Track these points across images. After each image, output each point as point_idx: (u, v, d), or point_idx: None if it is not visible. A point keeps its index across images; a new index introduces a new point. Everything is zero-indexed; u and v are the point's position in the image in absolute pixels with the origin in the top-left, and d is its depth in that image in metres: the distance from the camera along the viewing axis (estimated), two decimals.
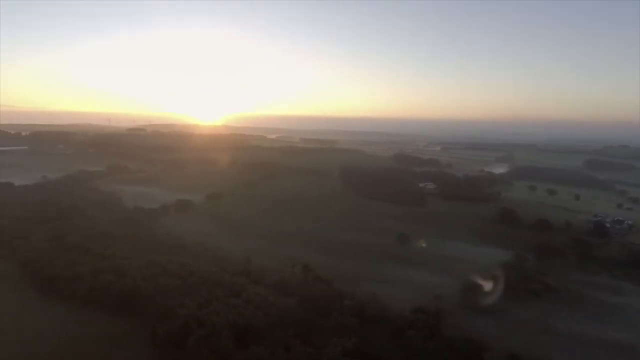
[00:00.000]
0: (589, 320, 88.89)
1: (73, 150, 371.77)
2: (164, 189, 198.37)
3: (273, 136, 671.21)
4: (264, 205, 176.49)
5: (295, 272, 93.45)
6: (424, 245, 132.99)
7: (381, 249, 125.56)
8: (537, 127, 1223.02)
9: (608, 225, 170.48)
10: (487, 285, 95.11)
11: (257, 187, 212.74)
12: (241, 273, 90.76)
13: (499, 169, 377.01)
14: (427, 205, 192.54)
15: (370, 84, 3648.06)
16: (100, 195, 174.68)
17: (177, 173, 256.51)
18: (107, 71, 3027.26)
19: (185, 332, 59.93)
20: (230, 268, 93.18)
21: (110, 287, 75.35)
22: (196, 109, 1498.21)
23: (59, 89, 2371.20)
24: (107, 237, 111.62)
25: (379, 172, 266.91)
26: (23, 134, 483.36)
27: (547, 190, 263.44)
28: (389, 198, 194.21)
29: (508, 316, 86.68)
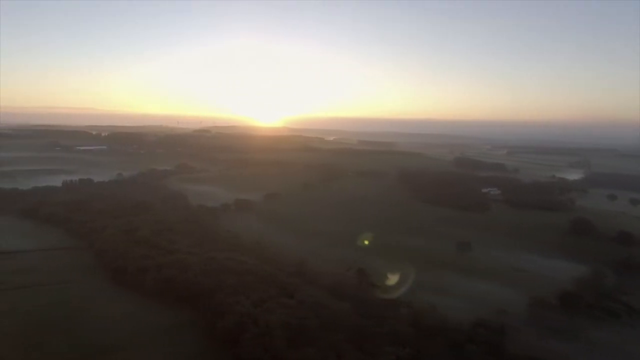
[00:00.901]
0: None
1: (145, 150, 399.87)
2: (225, 188, 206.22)
3: (331, 138, 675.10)
4: (321, 207, 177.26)
5: (350, 276, 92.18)
6: (486, 254, 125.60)
7: (440, 256, 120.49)
8: (619, 129, 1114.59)
9: None
10: (559, 302, 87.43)
11: (314, 188, 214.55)
12: (296, 273, 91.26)
13: (573, 175, 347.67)
14: (491, 212, 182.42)
15: (430, 84, 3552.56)
16: (167, 193, 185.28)
17: (238, 173, 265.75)
18: (178, 76, 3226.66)
19: (240, 330, 61.04)
20: (286, 268, 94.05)
21: (173, 280, 78.98)
22: (258, 111, 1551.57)
23: (135, 92, 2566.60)
24: (172, 232, 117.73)
25: (439, 175, 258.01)
26: (103, 134, 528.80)
27: (630, 200, 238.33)
28: (449, 203, 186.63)
29: (581, 338, 78.85)
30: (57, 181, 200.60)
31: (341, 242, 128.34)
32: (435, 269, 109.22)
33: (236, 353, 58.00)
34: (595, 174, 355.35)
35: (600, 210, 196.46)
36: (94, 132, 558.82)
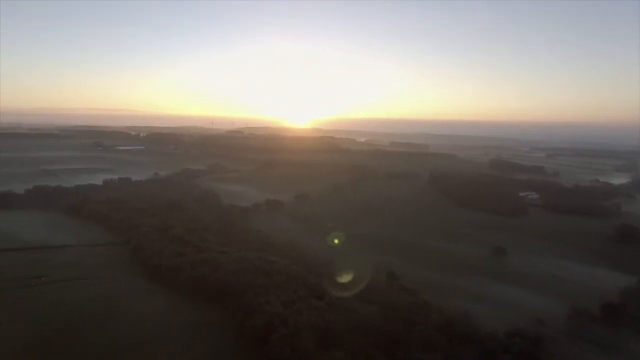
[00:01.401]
0: None
1: (181, 150, 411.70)
2: (257, 188, 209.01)
3: (362, 139, 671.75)
4: (351, 208, 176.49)
5: (380, 279, 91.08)
6: (523, 260, 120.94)
7: (474, 262, 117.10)
8: None
9: None
10: (600, 313, 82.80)
11: (345, 189, 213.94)
12: (323, 275, 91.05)
13: (618, 180, 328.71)
14: (529, 217, 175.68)
15: (465, 85, 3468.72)
16: (201, 192, 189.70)
17: (269, 173, 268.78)
18: (214, 78, 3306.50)
19: (269, 329, 61.43)
20: (315, 269, 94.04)
21: (205, 279, 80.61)
22: (289, 112, 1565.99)
23: (172, 94, 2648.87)
24: (205, 231, 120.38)
25: (473, 178, 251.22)
26: (141, 135, 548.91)
27: None
28: (484, 207, 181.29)
29: (624, 351, 74.31)
30: (98, 180, 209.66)
31: (370, 245, 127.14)
32: (469, 274, 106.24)
33: (265, 353, 58.38)
34: None
35: None
36: (132, 133, 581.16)
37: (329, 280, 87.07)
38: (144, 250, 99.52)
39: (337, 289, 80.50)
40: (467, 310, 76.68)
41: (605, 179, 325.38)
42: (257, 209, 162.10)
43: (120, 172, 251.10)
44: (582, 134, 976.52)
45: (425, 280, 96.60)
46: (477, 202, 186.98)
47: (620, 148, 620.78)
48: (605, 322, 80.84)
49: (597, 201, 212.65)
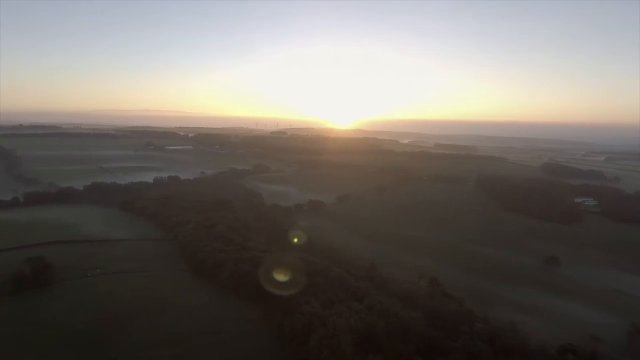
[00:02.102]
0: None
1: (226, 150, 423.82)
2: (299, 189, 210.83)
3: (406, 141, 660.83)
4: (393, 210, 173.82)
5: (422, 285, 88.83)
6: (578, 271, 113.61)
7: (524, 270, 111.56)
8: None
9: None
10: None
11: (387, 191, 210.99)
12: (365, 278, 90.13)
13: None
14: (585, 225, 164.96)
15: (516, 84, 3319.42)
16: (244, 192, 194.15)
17: (312, 174, 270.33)
18: (259, 80, 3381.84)
19: (308, 330, 61.48)
20: (355, 271, 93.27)
21: (247, 276, 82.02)
22: (333, 114, 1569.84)
23: (219, 96, 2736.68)
24: (247, 229, 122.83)
25: (524, 182, 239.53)
26: (189, 135, 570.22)
27: None
28: (536, 213, 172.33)
29: None
30: (149, 177, 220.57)
31: (413, 249, 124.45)
32: (517, 284, 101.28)
33: (302, 352, 58.45)
34: None
35: None
36: (181, 133, 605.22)
37: (370, 282, 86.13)
38: (189, 247, 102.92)
39: (378, 292, 79.36)
40: (515, 322, 73.07)
41: None
42: (298, 209, 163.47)
43: (170, 170, 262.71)
44: None
45: (469, 287, 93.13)
46: (528, 208, 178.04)
47: None
48: None
49: None
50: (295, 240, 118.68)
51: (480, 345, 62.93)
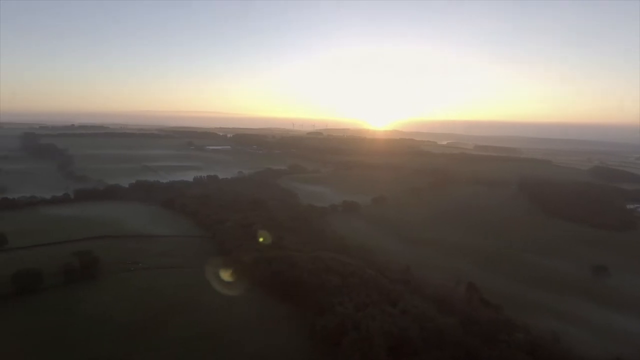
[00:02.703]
0: None
1: (263, 150, 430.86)
2: (334, 189, 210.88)
3: (444, 142, 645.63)
4: (430, 214, 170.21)
5: (459, 290, 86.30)
6: (629, 282, 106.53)
7: (569, 279, 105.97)
8: None
9: None
10: None
11: (424, 194, 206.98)
12: (400, 281, 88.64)
13: None
14: (638, 233, 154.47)
15: (563, 84, 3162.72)
16: (280, 192, 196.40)
17: (347, 175, 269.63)
18: (296, 81, 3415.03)
19: (340, 331, 61.17)
20: (390, 274, 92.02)
21: (281, 276, 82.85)
22: (369, 114, 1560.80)
23: (257, 97, 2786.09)
24: (282, 229, 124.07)
25: (571, 186, 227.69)
26: (228, 135, 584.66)
27: None
28: (584, 219, 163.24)
29: None
30: (189, 176, 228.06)
31: (450, 253, 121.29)
32: (562, 293, 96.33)
33: (334, 354, 58.23)
34: None
35: None
36: (220, 134, 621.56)
37: (405, 286, 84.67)
38: (226, 244, 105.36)
39: (413, 296, 77.85)
40: (558, 332, 69.49)
41: None
42: (333, 210, 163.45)
43: (209, 169, 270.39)
44: None
45: (509, 295, 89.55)
46: (575, 214, 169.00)
47: None
48: None
49: None
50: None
51: (520, 355, 60.32)
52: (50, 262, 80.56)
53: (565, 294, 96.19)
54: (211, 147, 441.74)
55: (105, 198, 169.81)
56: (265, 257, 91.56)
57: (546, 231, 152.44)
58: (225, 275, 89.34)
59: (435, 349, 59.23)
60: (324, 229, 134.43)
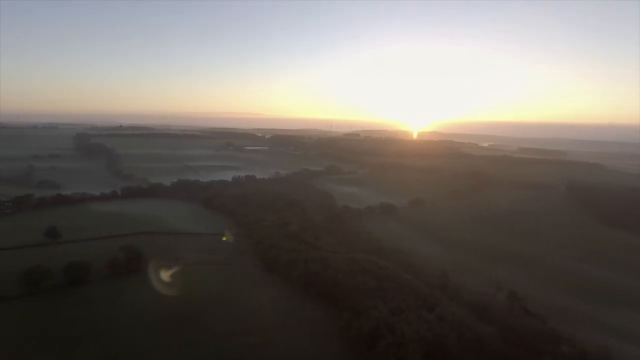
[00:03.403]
0: None
1: (300, 151, 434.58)
2: (370, 191, 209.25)
3: (485, 144, 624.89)
4: (469, 217, 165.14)
5: (500, 298, 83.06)
6: None
7: (622, 292, 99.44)
8: None
9: None
10: None
11: (464, 197, 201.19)
12: (437, 285, 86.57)
13: None
14: None
15: (613, 82, 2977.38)
16: (316, 192, 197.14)
17: (384, 176, 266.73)
18: (333, 82, 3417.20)
19: (375, 335, 60.45)
20: (426, 278, 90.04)
21: (316, 276, 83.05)
22: (407, 116, 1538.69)
23: (295, 99, 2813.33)
24: (318, 230, 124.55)
25: (625, 192, 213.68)
26: (266, 136, 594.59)
27: None
28: (637, 227, 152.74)
29: None
30: (228, 176, 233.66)
31: (490, 259, 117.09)
32: (614, 305, 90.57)
33: (369, 357, 57.57)
34: None
35: None
36: (259, 135, 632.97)
37: (443, 291, 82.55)
38: (263, 244, 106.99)
39: (450, 302, 75.80)
40: (608, 347, 65.29)
41: None
42: (369, 212, 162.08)
43: (247, 170, 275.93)
44: None
45: (554, 305, 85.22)
46: (629, 221, 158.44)
47: None
48: None
49: None
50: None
51: None
52: (98, 256, 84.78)
53: (617, 306, 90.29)
54: (249, 148, 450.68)
55: (149, 196, 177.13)
56: (301, 258, 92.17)
57: (596, 239, 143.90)
58: (261, 274, 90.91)
59: (474, 358, 57.35)
60: (359, 230, 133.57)
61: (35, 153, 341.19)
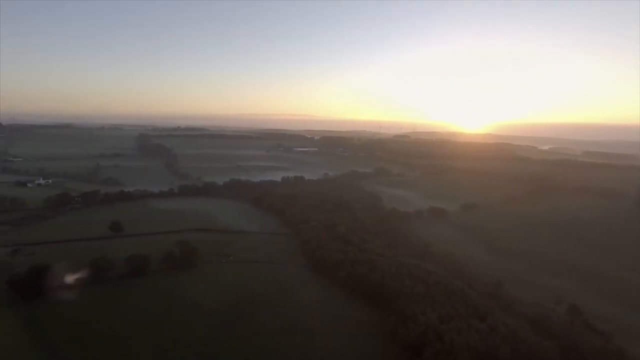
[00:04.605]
0: None
1: (349, 153, 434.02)
2: (420, 194, 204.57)
3: (546, 147, 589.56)
4: (527, 224, 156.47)
5: (559, 311, 77.98)
6: None
7: None
8: None
9: None
10: None
11: (521, 203, 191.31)
12: (489, 295, 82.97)
13: None
14: None
15: None
16: (364, 194, 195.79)
17: (435, 179, 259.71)
18: (382, 83, 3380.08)
19: (422, 342, 58.92)
20: (478, 287, 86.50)
21: (363, 278, 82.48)
22: (461, 117, 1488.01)
23: (343, 100, 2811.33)
24: (366, 232, 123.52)
25: None
26: (315, 138, 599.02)
27: None
28: None
29: None
30: (277, 176, 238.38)
31: (550, 269, 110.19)
32: None
33: None
34: None
35: None
36: (308, 136, 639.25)
37: (496, 301, 78.88)
38: (310, 244, 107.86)
39: (504, 313, 72.26)
40: None
41: None
42: (419, 215, 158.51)
43: (296, 170, 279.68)
44: None
45: (620, 322, 78.59)
46: None
47: None
48: None
49: None
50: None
51: None
52: (156, 250, 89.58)
53: None
54: (299, 149, 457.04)
55: (202, 194, 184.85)
56: (348, 259, 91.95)
57: None
58: (308, 274, 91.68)
59: None
60: (407, 234, 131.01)
61: (102, 152, 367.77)
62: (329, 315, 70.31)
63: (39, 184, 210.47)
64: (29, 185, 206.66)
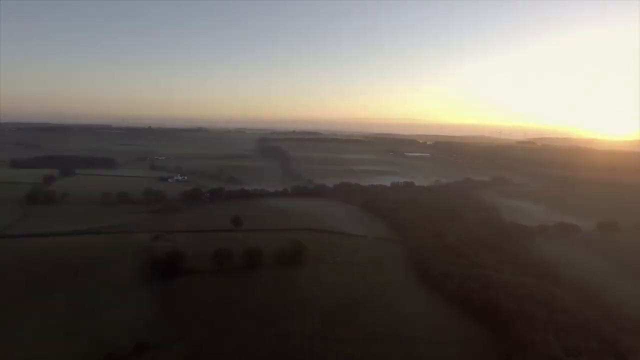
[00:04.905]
0: None
1: (464, 159, 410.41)
2: (545, 208, 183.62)
3: None
4: None
5: None
6: None
7: None
8: None
9: None
10: None
11: None
12: (631, 330, 70.38)
13: None
14: None
15: None
16: (479, 204, 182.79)
17: (564, 192, 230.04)
18: (501, 85, 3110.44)
19: None
20: (618, 319, 74.13)
21: (473, 294, 76.95)
22: (599, 122, 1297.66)
23: (452, 103, 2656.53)
24: (479, 245, 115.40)
25: None
26: (428, 143, 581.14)
27: None
28: None
29: None
30: (387, 181, 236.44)
31: None
32: None
33: None
34: None
35: None
36: (420, 141, 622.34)
37: (638, 338, 66.78)
38: (417, 252, 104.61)
39: None
40: None
41: None
42: (543, 231, 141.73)
43: (406, 176, 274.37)
44: None
45: None
46: None
47: None
48: None
49: None
50: None
51: None
52: (269, 245, 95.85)
53: None
54: (410, 154, 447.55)
55: (314, 195, 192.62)
56: (457, 272, 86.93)
57: None
58: (413, 281, 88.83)
59: None
60: (529, 251, 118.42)
61: (227, 153, 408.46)
62: (433, 329, 67.37)
63: (177, 180, 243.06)
64: (169, 180, 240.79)
